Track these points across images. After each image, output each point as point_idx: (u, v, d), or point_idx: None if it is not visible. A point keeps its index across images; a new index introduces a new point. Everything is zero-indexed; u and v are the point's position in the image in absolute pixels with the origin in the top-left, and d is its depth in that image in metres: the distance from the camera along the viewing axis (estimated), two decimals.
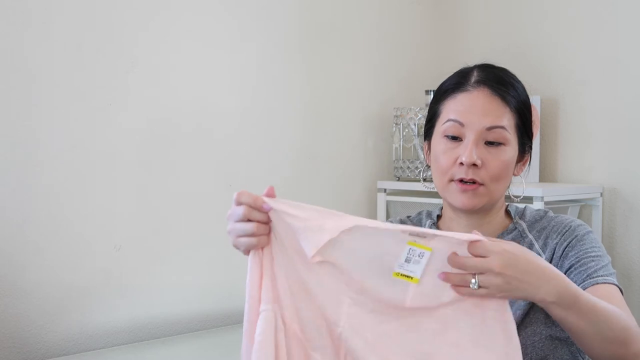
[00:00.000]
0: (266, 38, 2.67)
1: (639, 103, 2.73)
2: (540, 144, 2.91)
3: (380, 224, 1.25)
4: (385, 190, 2.94)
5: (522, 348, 1.44)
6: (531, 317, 1.48)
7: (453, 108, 1.52)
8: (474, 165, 1.48)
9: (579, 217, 2.81)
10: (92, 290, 2.26)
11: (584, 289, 1.40)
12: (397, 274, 1.24)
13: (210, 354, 2.29)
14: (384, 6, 3.06)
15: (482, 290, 1.21)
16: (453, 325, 1.24)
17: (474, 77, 1.54)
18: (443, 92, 1.56)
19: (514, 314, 1.47)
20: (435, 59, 3.15)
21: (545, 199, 2.57)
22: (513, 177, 1.59)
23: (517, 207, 1.62)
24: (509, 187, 1.60)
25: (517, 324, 1.46)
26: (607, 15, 2.80)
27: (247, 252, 1.29)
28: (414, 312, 1.25)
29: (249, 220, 1.26)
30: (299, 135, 2.78)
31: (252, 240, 1.26)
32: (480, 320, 1.23)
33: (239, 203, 1.26)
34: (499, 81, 1.53)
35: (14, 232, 2.12)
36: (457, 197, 1.51)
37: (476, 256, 1.20)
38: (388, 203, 2.94)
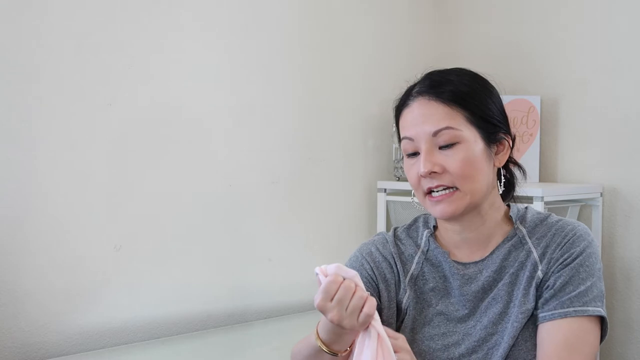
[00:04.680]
0: (266, 38, 2.67)
1: (638, 103, 2.73)
2: (540, 144, 2.91)
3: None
4: (385, 190, 2.94)
5: None
6: (531, 330, 1.48)
7: (403, 126, 1.55)
8: (435, 172, 1.47)
9: (579, 218, 2.81)
10: (92, 290, 2.26)
11: (553, 317, 1.44)
12: None
13: (211, 354, 2.29)
14: (384, 5, 3.06)
15: None
16: None
17: (415, 89, 1.54)
18: (395, 112, 1.59)
19: (511, 327, 1.47)
20: (436, 59, 3.15)
21: (545, 199, 2.57)
22: (502, 169, 1.57)
23: (518, 210, 1.58)
24: (503, 182, 1.57)
25: (514, 337, 1.46)
26: (607, 15, 2.80)
27: (366, 324, 1.33)
28: None
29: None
30: (298, 135, 2.78)
31: (373, 301, 1.32)
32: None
33: (330, 292, 1.31)
34: (432, 85, 1.52)
35: (13, 232, 2.12)
36: (435, 208, 1.50)
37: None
38: (388, 203, 2.94)
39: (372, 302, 1.30)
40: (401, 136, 1.55)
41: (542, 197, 2.55)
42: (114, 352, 2.23)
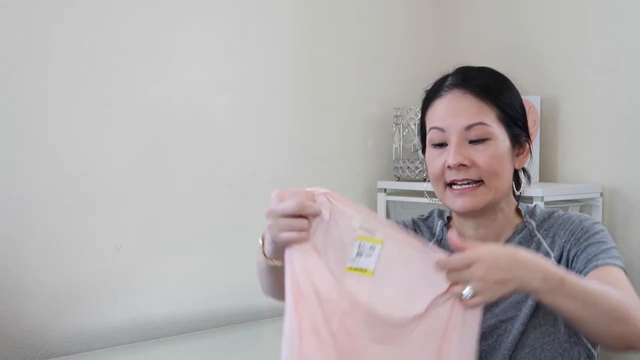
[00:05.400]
0: (266, 38, 2.67)
1: (638, 103, 2.73)
2: (540, 144, 2.91)
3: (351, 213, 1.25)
4: (385, 190, 2.94)
5: (531, 351, 1.44)
6: (540, 319, 1.47)
7: (432, 116, 1.54)
8: (463, 165, 1.48)
9: None
10: (92, 290, 2.26)
11: (586, 274, 1.41)
12: (350, 268, 1.24)
13: (211, 354, 2.29)
14: (384, 6, 3.06)
15: (477, 299, 1.23)
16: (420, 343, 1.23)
17: (448, 81, 1.54)
18: (424, 102, 1.58)
19: (522, 314, 1.47)
20: (436, 59, 3.15)
21: (545, 199, 2.57)
22: (519, 170, 1.58)
23: (527, 206, 1.60)
24: (518, 183, 1.59)
25: (525, 325, 1.46)
26: (607, 15, 2.80)
27: (280, 243, 1.27)
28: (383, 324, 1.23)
29: (300, 217, 1.25)
30: (299, 135, 2.78)
31: (302, 234, 1.24)
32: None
33: (284, 199, 1.25)
34: (467, 79, 1.52)
35: (14, 232, 2.12)
36: (456, 201, 1.50)
37: (458, 269, 1.22)
38: (388, 203, 2.94)
39: (299, 237, 1.24)
40: (429, 126, 1.53)
41: (542, 197, 2.56)
42: (114, 352, 2.23)
